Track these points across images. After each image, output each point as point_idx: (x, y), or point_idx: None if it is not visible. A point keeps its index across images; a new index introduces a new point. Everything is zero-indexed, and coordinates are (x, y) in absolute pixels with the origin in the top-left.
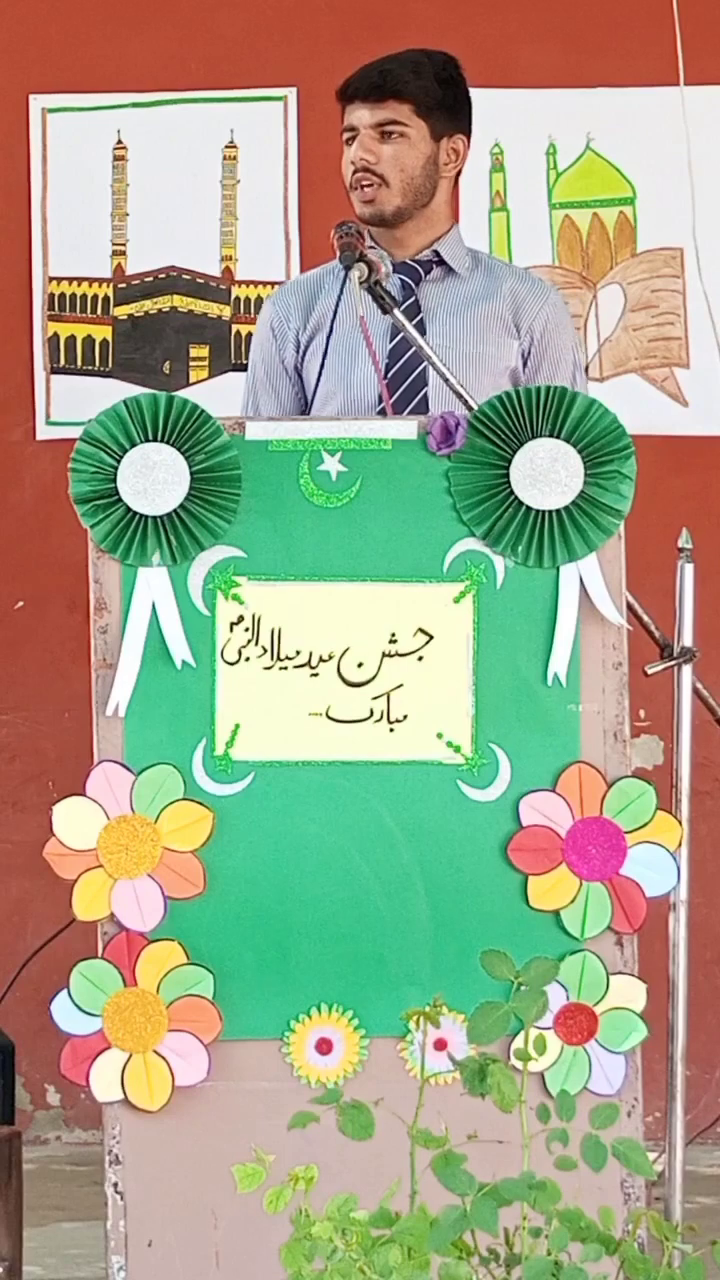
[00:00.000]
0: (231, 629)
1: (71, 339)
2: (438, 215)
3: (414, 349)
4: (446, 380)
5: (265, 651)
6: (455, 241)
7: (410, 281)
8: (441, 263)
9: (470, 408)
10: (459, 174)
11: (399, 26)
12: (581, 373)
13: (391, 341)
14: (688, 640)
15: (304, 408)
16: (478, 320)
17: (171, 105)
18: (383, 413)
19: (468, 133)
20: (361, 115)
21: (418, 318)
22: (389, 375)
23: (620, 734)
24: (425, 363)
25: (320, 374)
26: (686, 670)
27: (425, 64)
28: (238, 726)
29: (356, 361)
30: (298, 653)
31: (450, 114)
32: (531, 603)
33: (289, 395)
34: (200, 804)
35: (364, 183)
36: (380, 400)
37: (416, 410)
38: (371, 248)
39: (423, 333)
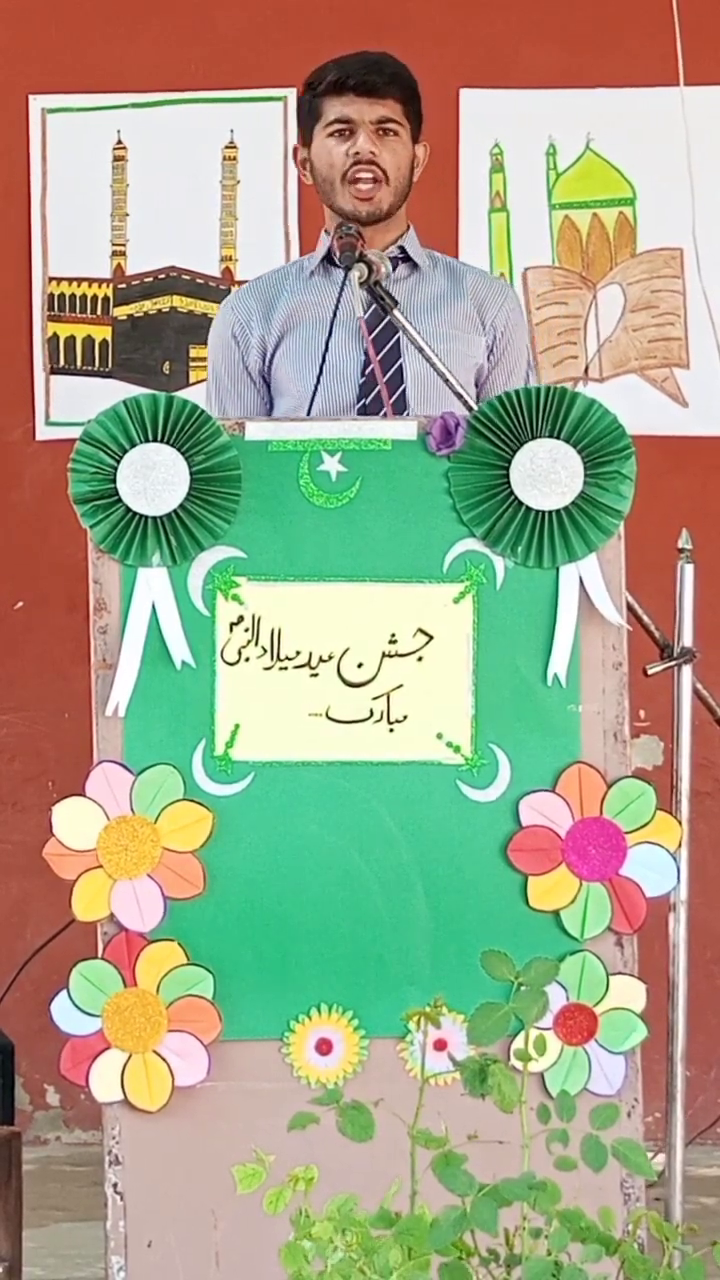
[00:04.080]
0: (231, 629)
1: (71, 339)
2: (402, 216)
3: (388, 348)
4: (446, 380)
5: (265, 652)
6: (414, 240)
7: None
8: (407, 259)
9: (469, 407)
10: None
11: (399, 26)
12: (534, 371)
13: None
14: (688, 640)
15: (268, 412)
16: (448, 318)
17: (171, 105)
18: (382, 413)
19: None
20: (361, 109)
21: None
22: (367, 375)
23: (620, 734)
24: (399, 362)
25: (316, 376)
26: (686, 671)
27: (405, 67)
28: (237, 727)
29: (335, 361)
30: (297, 653)
31: (420, 120)
32: (531, 603)
33: (254, 401)
34: (200, 804)
35: (364, 175)
36: (359, 399)
37: (394, 410)
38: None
39: (395, 331)
